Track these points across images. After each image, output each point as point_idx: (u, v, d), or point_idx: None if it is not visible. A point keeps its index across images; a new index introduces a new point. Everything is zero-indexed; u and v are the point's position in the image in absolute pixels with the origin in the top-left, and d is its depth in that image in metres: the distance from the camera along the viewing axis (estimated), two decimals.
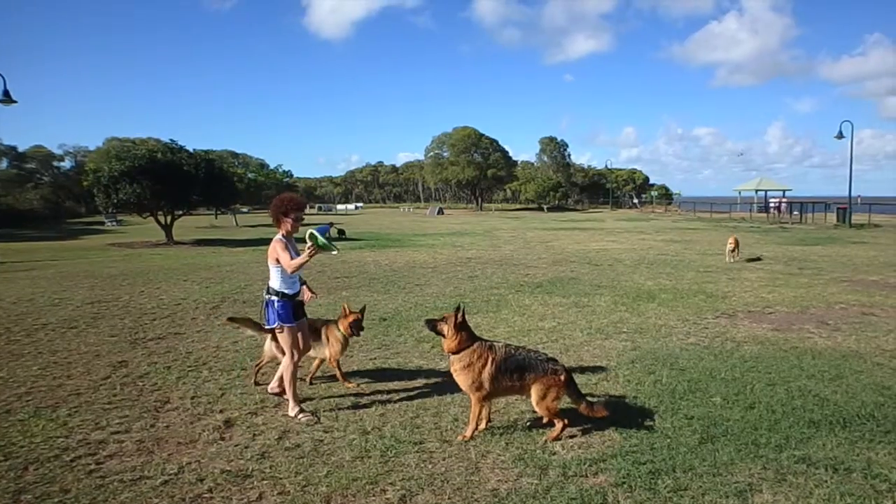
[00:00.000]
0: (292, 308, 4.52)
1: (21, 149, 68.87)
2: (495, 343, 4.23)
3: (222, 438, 4.10)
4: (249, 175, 62.65)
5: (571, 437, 4.03)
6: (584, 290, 9.99)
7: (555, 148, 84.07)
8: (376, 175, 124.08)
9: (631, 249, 17.72)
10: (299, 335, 4.57)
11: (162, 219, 23.56)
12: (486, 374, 4.00)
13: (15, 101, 18.30)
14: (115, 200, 21.69)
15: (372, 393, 5.04)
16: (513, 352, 4.16)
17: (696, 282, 10.82)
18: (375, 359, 6.07)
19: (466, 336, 4.12)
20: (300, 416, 4.43)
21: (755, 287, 10.18)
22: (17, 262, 16.83)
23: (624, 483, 3.36)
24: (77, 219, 53.59)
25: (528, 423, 4.30)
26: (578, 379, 5.24)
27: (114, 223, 40.73)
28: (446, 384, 5.15)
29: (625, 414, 4.42)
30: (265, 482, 3.46)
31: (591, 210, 68.62)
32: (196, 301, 9.34)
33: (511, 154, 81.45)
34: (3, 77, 18.08)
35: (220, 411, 4.60)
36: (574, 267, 13.38)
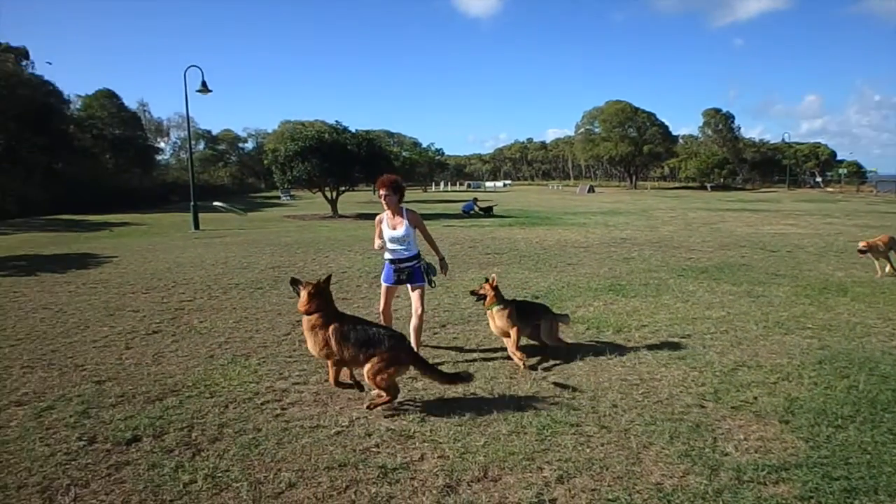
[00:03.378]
0: (390, 270, 5.21)
1: (214, 132, 79.20)
2: (346, 315, 4.39)
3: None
4: (404, 153, 65.59)
5: (745, 438, 3.68)
6: (759, 279, 9.04)
7: (720, 121, 76.69)
8: (525, 152, 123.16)
9: (815, 234, 15.69)
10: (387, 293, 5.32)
11: (329, 194, 25.60)
12: (331, 340, 4.11)
13: (210, 91, 20.84)
14: (290, 177, 23.99)
15: (525, 369, 5.02)
16: (364, 325, 4.25)
17: None
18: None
19: (317, 305, 4.21)
20: None
21: None
22: (213, 230, 19.39)
23: (811, 497, 2.99)
24: (257, 193, 60.49)
25: (696, 418, 4.00)
26: (752, 375, 4.81)
27: (288, 197, 45.18)
28: (604, 368, 5.00)
29: (811, 420, 3.93)
30: (426, 444, 3.63)
31: (763, 190, 61.89)
32: (359, 270, 10.04)
33: (670, 128, 76.06)
34: (200, 69, 20.73)
35: None
36: (745, 252, 12.18)
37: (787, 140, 76.26)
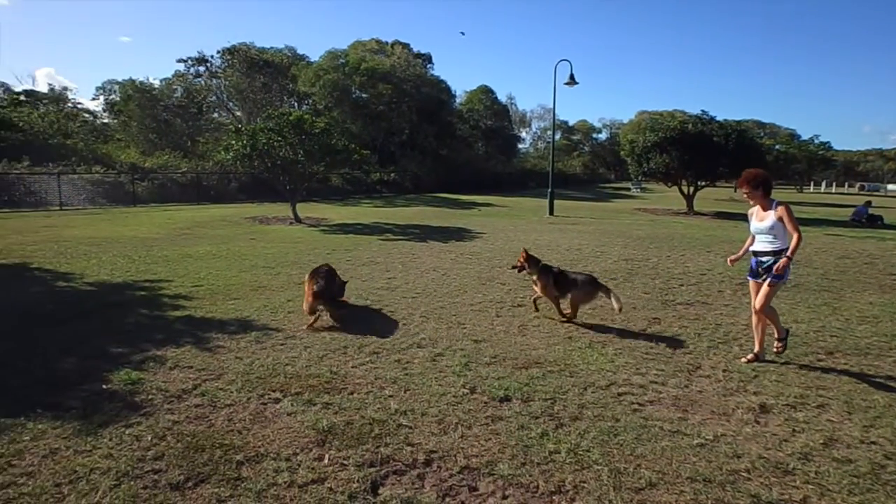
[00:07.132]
0: (753, 263, 5.17)
1: (570, 123, 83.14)
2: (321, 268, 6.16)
3: (757, 422, 3.90)
4: (777, 147, 57.38)
5: None
6: None
7: None
8: None
9: None
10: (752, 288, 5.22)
11: (685, 188, 24.19)
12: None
13: (577, 83, 21.78)
14: (645, 169, 23.49)
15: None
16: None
17: None
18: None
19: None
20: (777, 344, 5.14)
21: None
22: (566, 217, 20.45)
23: None
24: (607, 184, 61.40)
25: None
26: None
27: (639, 189, 44.58)
28: None
29: None
30: (810, 487, 3.12)
31: None
32: (721, 274, 9.21)
33: None
34: (570, 63, 21.81)
35: (754, 393, 4.38)
36: None
37: None
